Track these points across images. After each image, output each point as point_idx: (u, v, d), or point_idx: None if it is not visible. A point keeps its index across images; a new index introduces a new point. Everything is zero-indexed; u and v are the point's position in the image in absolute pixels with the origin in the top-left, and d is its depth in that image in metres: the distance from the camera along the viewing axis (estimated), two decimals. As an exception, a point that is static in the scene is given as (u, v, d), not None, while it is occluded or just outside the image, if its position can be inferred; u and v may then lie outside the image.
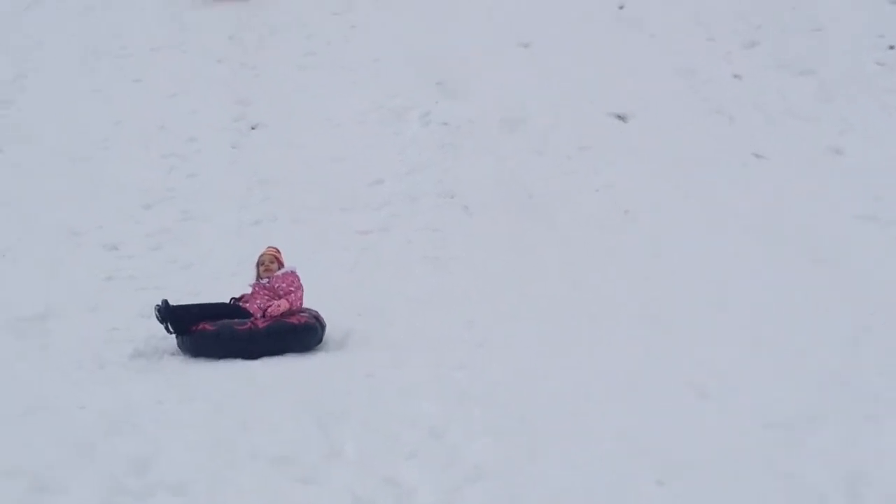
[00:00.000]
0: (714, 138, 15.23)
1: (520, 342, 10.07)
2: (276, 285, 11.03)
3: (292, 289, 10.97)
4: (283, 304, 10.72)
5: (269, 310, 10.66)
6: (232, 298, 11.14)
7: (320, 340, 10.77)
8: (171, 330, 10.56)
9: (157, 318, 10.54)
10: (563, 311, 10.99)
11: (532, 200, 14.00)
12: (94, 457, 6.98)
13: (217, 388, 8.90)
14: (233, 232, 13.63)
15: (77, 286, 12.25)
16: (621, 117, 15.81)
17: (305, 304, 10.97)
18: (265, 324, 10.50)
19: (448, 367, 9.30)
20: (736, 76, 16.83)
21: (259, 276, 11.28)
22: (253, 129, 16.25)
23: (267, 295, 10.97)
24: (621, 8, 18.70)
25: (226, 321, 10.53)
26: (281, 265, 11.31)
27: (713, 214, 13.29)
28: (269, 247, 11.63)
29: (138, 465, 6.78)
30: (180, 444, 7.13)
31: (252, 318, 10.60)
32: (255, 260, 11.47)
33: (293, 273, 11.17)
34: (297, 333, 10.54)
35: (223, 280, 11.88)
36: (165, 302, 10.55)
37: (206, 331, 10.42)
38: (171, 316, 10.52)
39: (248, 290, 11.23)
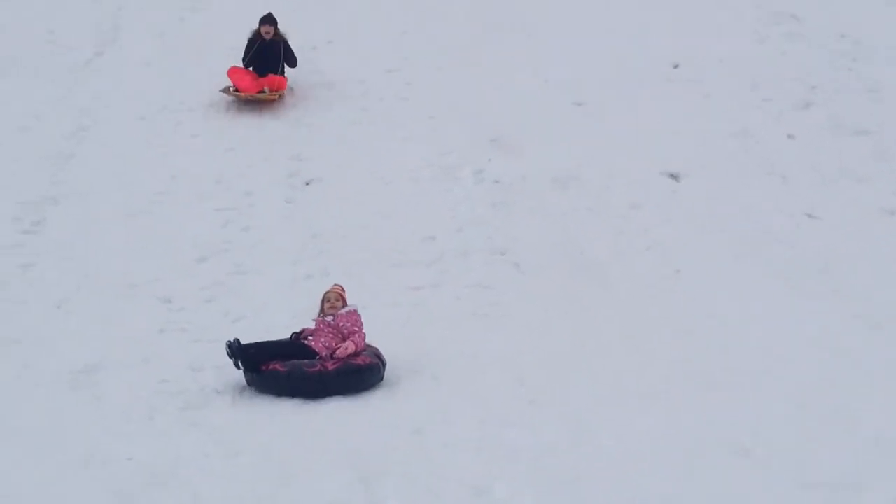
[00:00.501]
0: (767, 198, 15.16)
1: (570, 401, 10.05)
2: (340, 323, 11.46)
3: (356, 328, 11.43)
4: (350, 347, 11.14)
5: (338, 352, 11.10)
6: (293, 334, 11.58)
7: (382, 378, 11.21)
8: (241, 367, 11.02)
9: (228, 354, 10.98)
10: (614, 371, 10.95)
11: (583, 258, 14.00)
12: (139, 505, 7.07)
13: (263, 443, 8.99)
14: (286, 286, 13.71)
15: (130, 338, 12.35)
16: (674, 176, 15.80)
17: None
18: (334, 366, 10.95)
19: (497, 424, 9.31)
20: (790, 136, 16.77)
21: (323, 313, 11.70)
22: (307, 184, 16.36)
23: (331, 332, 11.40)
24: (676, 67, 18.72)
25: (296, 362, 10.98)
26: (345, 303, 11.73)
27: (765, 274, 13.22)
28: (335, 284, 12.07)
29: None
30: (222, 498, 7.17)
31: (321, 360, 11.03)
32: (321, 297, 11.90)
33: (356, 312, 11.62)
34: (362, 374, 11.03)
35: (275, 333, 11.94)
36: (237, 340, 11.02)
37: (277, 371, 10.88)
38: (243, 354, 10.97)
39: (309, 325, 11.67)
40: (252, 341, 11.32)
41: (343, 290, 11.97)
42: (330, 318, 11.59)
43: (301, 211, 15.61)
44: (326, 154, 17.01)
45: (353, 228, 14.93)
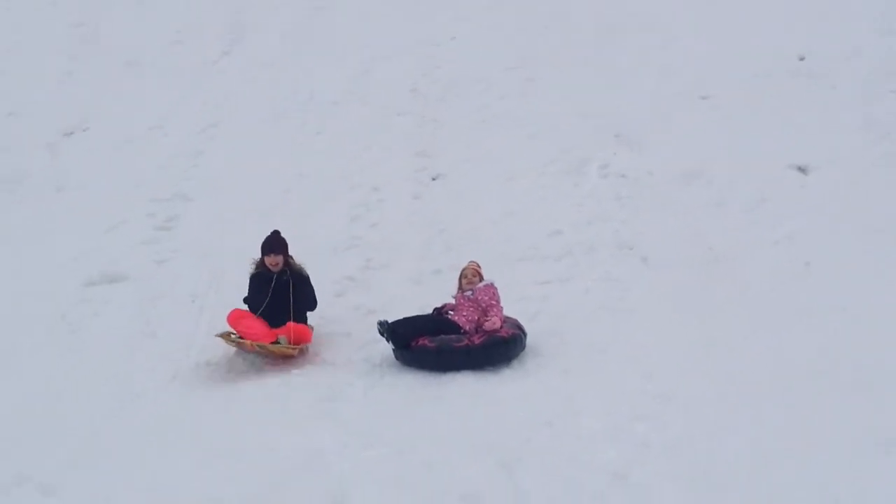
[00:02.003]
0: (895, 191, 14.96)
1: (700, 396, 9.97)
2: (479, 297, 12.02)
3: (493, 302, 11.99)
4: (496, 322, 11.70)
5: (486, 326, 11.64)
6: (435, 309, 12.26)
7: (524, 348, 11.76)
8: (393, 344, 11.65)
9: (380, 331, 11.69)
10: (743, 366, 10.87)
11: (711, 253, 13.92)
12: (289, 491, 7.24)
13: (398, 435, 9.08)
14: (414, 280, 13.87)
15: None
16: (802, 169, 15.63)
17: (505, 312, 12.04)
18: (480, 339, 11.46)
19: (626, 417, 9.30)
20: (921, 128, 16.52)
21: (461, 289, 12.26)
22: (434, 180, 16.52)
23: (471, 307, 11.98)
24: (802, 60, 18.53)
25: (443, 338, 11.57)
26: (482, 278, 12.31)
27: (898, 268, 13.08)
28: (471, 261, 12.62)
29: (333, 500, 6.99)
30: (369, 484, 7.33)
31: (466, 335, 11.58)
32: (458, 273, 12.51)
33: (492, 286, 12.18)
34: (507, 345, 11.53)
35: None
36: (387, 321, 11.70)
37: (426, 347, 11.46)
38: (393, 332, 11.62)
39: (449, 301, 12.32)
40: (399, 318, 11.82)
41: (479, 266, 12.48)
42: (469, 293, 12.12)
43: (428, 207, 15.76)
44: (451, 150, 17.15)
45: (481, 224, 15.04)
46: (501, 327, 11.73)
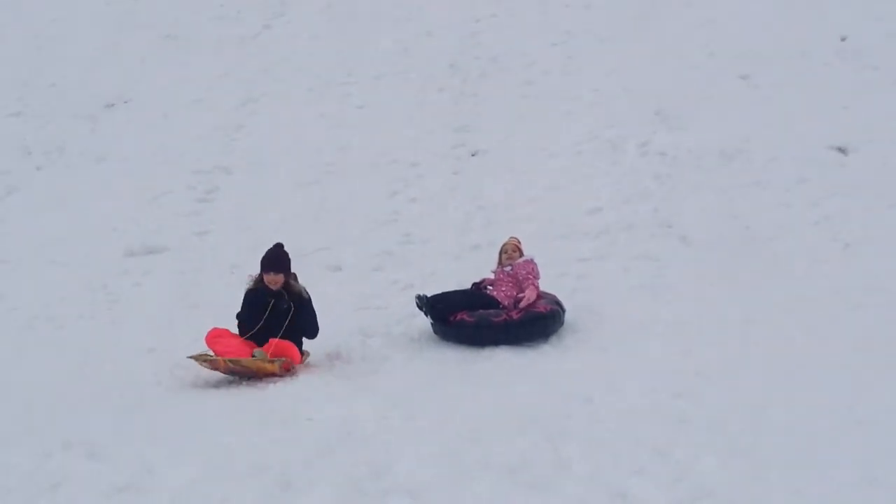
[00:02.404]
0: (939, 172, 14.91)
1: (739, 373, 9.98)
2: (517, 272, 12.08)
3: (531, 276, 12.02)
4: (531, 296, 11.74)
5: (521, 304, 11.65)
6: (473, 284, 12.32)
7: (563, 324, 11.83)
8: (432, 319, 11.76)
9: (418, 305, 11.77)
10: (782, 344, 10.90)
11: (749, 232, 13.93)
12: (332, 460, 7.32)
13: (438, 407, 9.13)
14: (453, 256, 13.94)
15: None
16: (842, 150, 15.58)
17: (543, 289, 12.08)
18: (519, 315, 11.54)
19: (665, 393, 9.31)
20: (964, 109, 16.42)
21: (501, 264, 12.32)
22: (473, 155, 16.55)
23: (511, 282, 12.06)
24: (843, 40, 18.44)
25: (482, 312, 11.63)
26: (521, 254, 12.35)
27: (938, 248, 13.05)
28: (512, 237, 12.68)
29: (375, 470, 7.07)
30: (412, 453, 7.39)
31: (506, 311, 11.62)
32: (499, 248, 12.56)
33: (532, 261, 12.23)
34: (546, 321, 11.62)
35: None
36: (425, 296, 11.77)
37: (465, 321, 11.54)
38: (432, 307, 11.70)
39: (488, 276, 12.39)
40: (437, 292, 11.90)
41: (519, 241, 12.55)
42: (508, 268, 12.21)
43: (467, 182, 15.81)
44: (491, 126, 17.17)
45: (520, 200, 15.09)
46: (537, 302, 11.77)
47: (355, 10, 21.48)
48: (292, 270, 11.41)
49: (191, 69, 19.74)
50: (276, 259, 11.34)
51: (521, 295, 11.85)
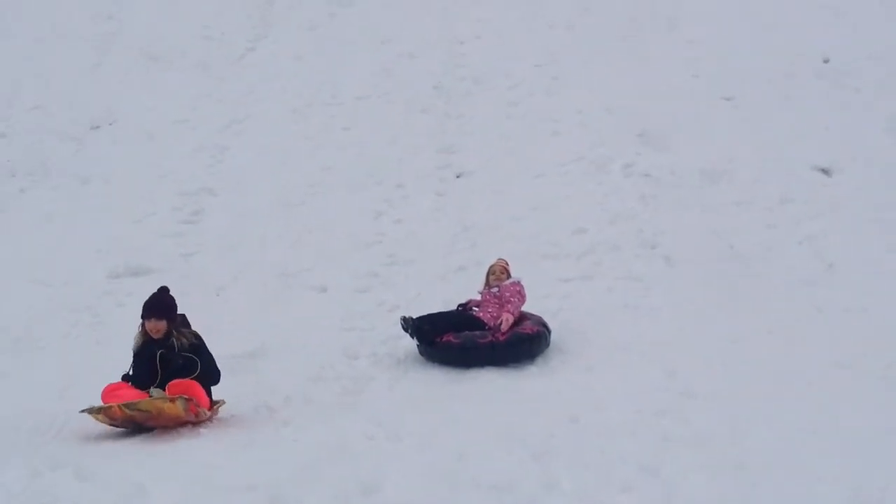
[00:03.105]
0: (919, 193, 14.99)
1: (723, 393, 10.03)
2: (503, 294, 12.06)
3: (513, 298, 11.99)
4: (509, 318, 11.72)
5: (502, 327, 11.62)
6: (459, 305, 12.30)
7: (549, 345, 11.81)
8: (418, 341, 11.69)
9: (403, 327, 11.73)
10: (767, 363, 10.94)
11: (733, 252, 13.99)
12: (321, 478, 7.34)
13: (423, 427, 9.13)
14: (438, 277, 13.95)
15: (287, 326, 12.72)
16: (825, 171, 15.69)
17: (529, 309, 12.12)
18: (505, 336, 11.53)
19: (650, 413, 9.36)
20: (946, 132, 16.52)
21: (489, 285, 12.32)
22: (458, 177, 16.58)
23: (496, 303, 12.05)
24: (826, 62, 18.56)
25: (468, 334, 11.60)
26: (509, 275, 12.34)
27: (920, 269, 13.12)
28: (500, 258, 12.66)
29: (365, 488, 7.11)
30: (401, 472, 7.42)
31: (492, 332, 11.59)
32: (486, 269, 12.55)
33: (519, 283, 12.23)
34: (532, 342, 11.60)
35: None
36: (411, 317, 11.73)
37: (451, 343, 11.50)
38: (417, 329, 11.64)
39: (474, 297, 12.38)
40: (423, 314, 11.87)
41: (507, 263, 12.54)
42: (495, 290, 12.19)
43: (452, 203, 15.84)
44: (476, 147, 17.22)
45: (505, 221, 15.12)
46: (524, 323, 11.79)
47: (339, 31, 21.53)
48: (179, 313, 10.28)
49: (175, 90, 19.73)
50: (157, 304, 10.09)
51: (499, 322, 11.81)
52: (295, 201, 16.11)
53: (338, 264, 14.34)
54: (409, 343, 11.98)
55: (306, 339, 12.25)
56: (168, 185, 16.72)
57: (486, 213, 15.38)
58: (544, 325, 11.90)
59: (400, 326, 11.82)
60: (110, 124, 18.95)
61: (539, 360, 11.65)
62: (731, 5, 20.50)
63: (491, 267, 12.52)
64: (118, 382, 9.79)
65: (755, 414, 9.05)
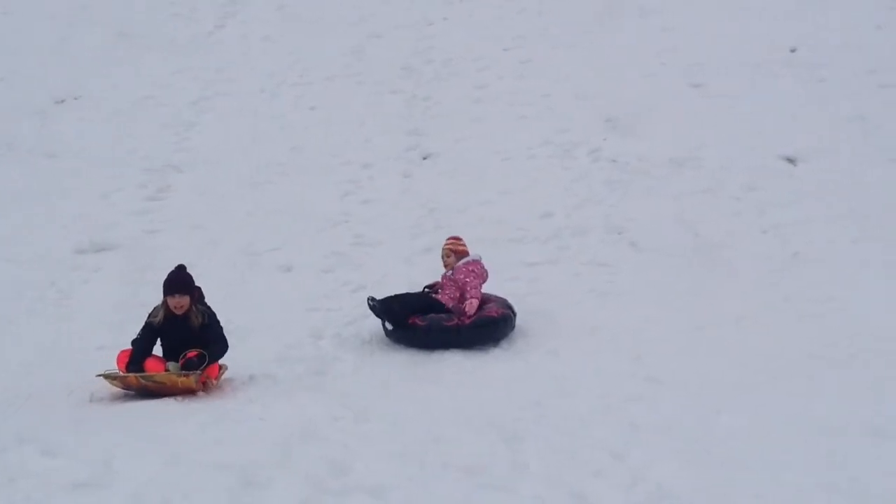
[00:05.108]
0: (885, 183, 15.01)
1: (689, 379, 10.10)
2: (457, 276, 12.07)
3: (470, 278, 12.01)
4: (473, 303, 11.75)
5: (467, 310, 11.67)
6: (426, 287, 12.35)
7: (514, 328, 11.84)
8: (390, 323, 11.68)
9: (370, 307, 11.71)
10: (731, 351, 11.00)
11: (699, 239, 14.04)
12: (292, 458, 7.34)
13: (391, 409, 9.16)
14: (403, 259, 13.93)
15: (253, 305, 12.67)
16: (791, 160, 15.77)
17: (494, 292, 12.11)
18: (471, 319, 11.56)
19: (617, 398, 9.41)
20: (909, 123, 16.61)
21: (445, 267, 12.35)
22: (425, 159, 16.58)
23: (453, 286, 12.05)
24: (793, 51, 18.64)
25: (433, 316, 11.65)
26: (460, 255, 12.32)
27: (884, 258, 13.16)
28: (448, 239, 12.65)
29: (335, 469, 7.11)
30: (371, 453, 7.43)
31: (457, 315, 11.65)
32: None
33: (475, 261, 12.23)
34: (497, 325, 11.62)
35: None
36: (375, 298, 11.74)
37: (417, 325, 11.52)
38: (383, 309, 11.66)
39: (438, 280, 12.40)
40: (389, 294, 11.92)
41: (456, 241, 12.52)
42: (450, 273, 12.19)
43: (419, 185, 15.83)
44: (444, 130, 17.21)
45: (471, 204, 15.12)
46: (489, 306, 11.80)
47: (308, 11, 21.48)
48: (197, 286, 10.75)
49: (143, 67, 19.61)
50: (179, 281, 10.60)
51: (461, 306, 11.83)
52: (262, 180, 16.05)
53: (304, 244, 14.30)
54: (375, 324, 11.97)
55: (271, 318, 12.21)
56: (134, 161, 16.61)
57: (453, 195, 15.38)
58: (510, 308, 11.92)
59: (367, 306, 11.80)
60: (75, 99, 18.80)
61: (504, 342, 11.68)
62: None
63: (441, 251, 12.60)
64: (129, 349, 10.37)
65: (722, 401, 9.11)
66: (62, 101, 18.75)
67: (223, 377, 10.51)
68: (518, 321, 11.97)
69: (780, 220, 14.28)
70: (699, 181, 15.35)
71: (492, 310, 11.75)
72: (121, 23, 21.25)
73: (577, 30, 19.75)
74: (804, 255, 13.42)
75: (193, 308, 10.49)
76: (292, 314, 12.47)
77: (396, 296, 11.97)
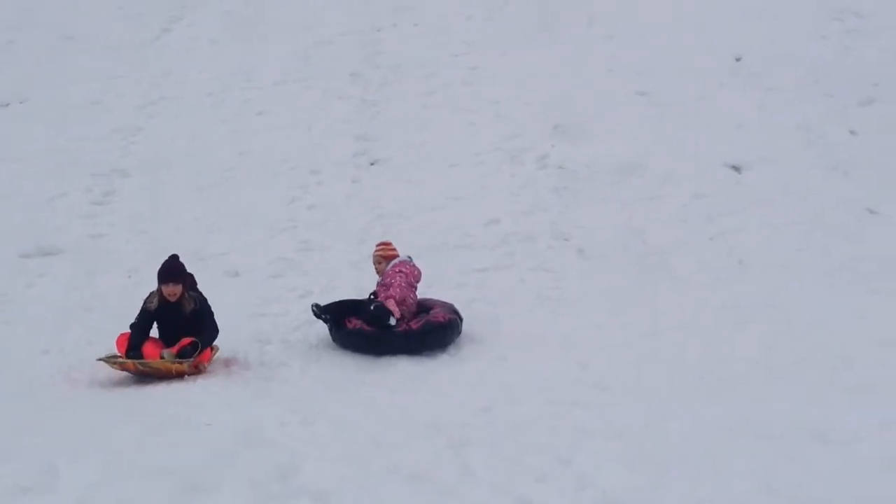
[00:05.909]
0: (829, 192, 15.15)
1: (636, 385, 10.14)
2: (386, 280, 12.11)
3: (393, 281, 12.04)
4: (390, 304, 11.68)
5: (389, 305, 11.64)
6: (371, 293, 12.22)
7: (460, 333, 11.85)
8: (330, 324, 11.70)
9: (315, 313, 11.80)
10: (678, 357, 11.05)
11: (646, 246, 14.12)
12: (236, 462, 7.33)
13: (338, 414, 9.17)
14: (351, 264, 13.91)
15: (200, 310, 12.61)
16: (736, 168, 15.88)
17: (440, 298, 12.22)
18: (418, 325, 11.56)
19: (563, 404, 9.44)
20: (852, 132, 16.74)
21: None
22: (373, 164, 16.57)
23: (385, 290, 12.00)
24: (738, 60, 18.77)
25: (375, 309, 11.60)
26: (390, 259, 12.37)
27: (828, 267, 13.25)
28: (377, 245, 12.69)
29: (281, 473, 7.12)
30: (317, 458, 7.43)
31: (404, 321, 11.64)
32: None
33: (401, 262, 12.29)
34: (444, 330, 11.65)
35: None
36: (319, 305, 11.84)
37: (363, 330, 11.53)
38: (328, 313, 11.77)
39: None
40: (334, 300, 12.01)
41: (386, 246, 12.55)
42: (379, 279, 12.24)
43: (367, 191, 15.83)
44: (392, 135, 17.21)
45: (419, 210, 15.13)
46: (431, 313, 11.82)
47: (256, 16, 21.45)
48: (189, 273, 11.60)
49: (89, 70, 19.51)
50: (173, 270, 11.42)
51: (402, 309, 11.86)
52: (208, 185, 16.02)
53: (251, 249, 14.28)
54: (322, 329, 11.97)
55: (218, 323, 12.13)
56: (80, 165, 16.54)
57: (401, 201, 15.38)
58: (456, 313, 11.94)
59: (312, 312, 11.81)
60: (21, 102, 18.69)
61: (452, 348, 11.70)
62: (649, 3, 20.61)
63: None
64: (128, 332, 11.11)
65: (668, 408, 9.16)
66: (7, 105, 18.66)
67: (216, 356, 11.35)
68: (465, 327, 11.98)
69: (726, 228, 14.37)
70: (646, 188, 15.42)
71: (438, 315, 11.76)
72: (67, 26, 21.16)
73: (525, 37, 19.77)
74: (749, 263, 13.51)
75: (186, 295, 11.31)
76: (239, 319, 12.41)
77: (341, 301, 12.01)
